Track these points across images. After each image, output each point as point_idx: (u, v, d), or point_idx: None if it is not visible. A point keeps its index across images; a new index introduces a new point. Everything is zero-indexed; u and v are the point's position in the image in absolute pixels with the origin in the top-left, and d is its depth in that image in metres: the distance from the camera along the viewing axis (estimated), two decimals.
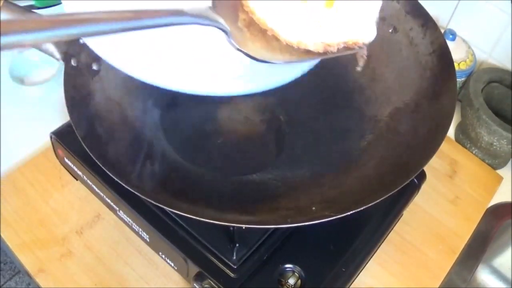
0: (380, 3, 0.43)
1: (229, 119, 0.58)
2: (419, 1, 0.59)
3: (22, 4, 0.45)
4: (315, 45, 0.42)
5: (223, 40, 0.41)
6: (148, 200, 0.41)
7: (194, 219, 0.40)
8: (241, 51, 0.41)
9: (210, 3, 0.41)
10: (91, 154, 0.43)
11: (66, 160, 0.60)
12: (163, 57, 0.42)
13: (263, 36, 0.42)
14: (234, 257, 0.49)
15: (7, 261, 1.31)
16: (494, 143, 0.70)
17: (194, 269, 0.50)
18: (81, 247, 0.61)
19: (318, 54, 0.42)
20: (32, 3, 0.78)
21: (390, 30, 0.57)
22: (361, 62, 0.45)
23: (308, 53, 0.42)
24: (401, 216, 0.60)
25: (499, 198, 0.71)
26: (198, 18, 0.39)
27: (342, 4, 0.42)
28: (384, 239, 0.57)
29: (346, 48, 0.42)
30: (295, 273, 0.51)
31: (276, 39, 0.42)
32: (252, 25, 0.42)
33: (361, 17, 0.42)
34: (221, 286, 0.48)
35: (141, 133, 0.52)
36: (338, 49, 0.42)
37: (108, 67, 0.47)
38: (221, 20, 0.41)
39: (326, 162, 0.45)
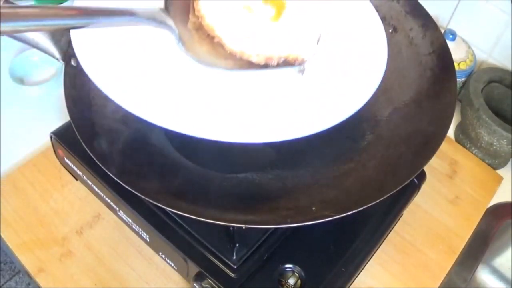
0: (324, 23, 0.45)
1: None
2: (419, 1, 0.59)
3: (22, 4, 0.45)
4: (257, 57, 0.43)
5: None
6: (148, 200, 0.41)
7: (194, 219, 0.40)
8: (188, 55, 0.42)
9: (162, 4, 0.42)
10: (91, 154, 0.43)
11: (66, 160, 0.60)
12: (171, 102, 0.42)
13: (210, 42, 0.43)
14: (234, 257, 0.49)
15: (7, 261, 1.31)
16: (494, 143, 0.70)
17: (194, 269, 0.50)
18: (81, 247, 0.61)
19: (259, 66, 0.43)
20: (32, 3, 0.78)
21: (390, 30, 0.57)
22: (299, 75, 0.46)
23: (250, 65, 0.43)
24: (401, 216, 0.60)
25: (499, 198, 0.71)
26: (148, 19, 0.40)
27: (287, 20, 0.43)
28: (384, 239, 0.57)
29: (286, 62, 0.43)
30: (295, 273, 0.51)
31: (222, 46, 0.43)
32: (201, 28, 0.43)
33: (304, 34, 0.43)
34: (221, 286, 0.48)
35: (142, 133, 0.52)
36: (278, 63, 0.43)
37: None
38: (171, 22, 0.42)
39: (326, 162, 0.45)
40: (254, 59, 0.43)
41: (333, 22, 0.48)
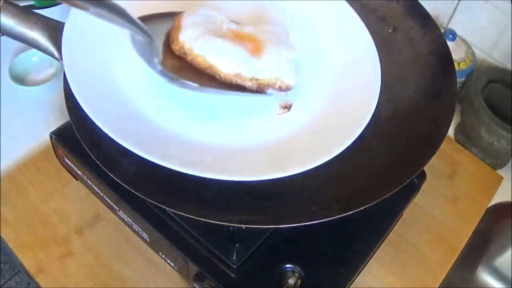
0: (293, 53, 0.47)
1: None
2: (419, 1, 0.59)
3: (22, 4, 0.45)
4: (251, 82, 0.45)
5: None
6: (148, 200, 0.41)
7: (194, 219, 0.40)
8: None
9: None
10: (91, 154, 0.43)
11: (66, 160, 0.60)
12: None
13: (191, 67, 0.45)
14: (234, 257, 0.49)
15: (7, 261, 1.31)
16: (494, 143, 0.70)
17: (194, 269, 0.50)
18: (81, 247, 0.61)
19: (249, 90, 0.45)
20: (32, 3, 0.78)
21: (390, 30, 0.57)
22: (280, 111, 0.48)
23: (239, 89, 0.45)
24: (401, 216, 0.60)
25: (499, 198, 0.71)
26: (132, 23, 0.41)
27: (266, 55, 0.45)
28: (384, 239, 0.57)
29: (275, 88, 0.46)
30: (295, 273, 0.51)
31: (212, 73, 0.45)
32: (184, 57, 0.45)
33: (282, 66, 0.45)
34: (221, 286, 0.48)
35: None
36: (266, 89, 0.46)
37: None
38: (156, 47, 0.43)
39: (326, 162, 0.45)
40: (248, 84, 0.45)
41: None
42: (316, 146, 0.45)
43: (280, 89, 0.46)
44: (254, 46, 0.46)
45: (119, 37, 0.44)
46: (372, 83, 0.48)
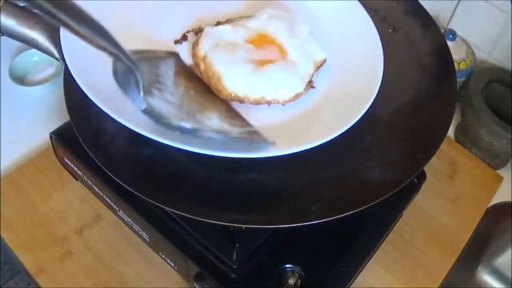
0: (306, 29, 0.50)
1: None
2: (419, 1, 0.59)
3: (22, 4, 0.45)
4: (247, 99, 0.46)
5: None
6: (148, 200, 0.41)
7: (194, 219, 0.40)
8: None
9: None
10: (91, 154, 0.43)
11: (66, 160, 0.60)
12: None
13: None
14: (234, 257, 0.49)
15: (7, 261, 1.31)
16: (494, 143, 0.70)
17: (194, 269, 0.50)
18: (81, 247, 0.61)
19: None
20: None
21: (390, 30, 0.57)
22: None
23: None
24: (401, 216, 0.60)
25: (499, 198, 0.71)
26: (114, 45, 0.37)
27: (267, 69, 0.46)
28: (384, 239, 0.57)
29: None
30: (295, 273, 0.51)
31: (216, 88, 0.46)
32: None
33: (279, 81, 0.46)
34: (221, 286, 0.48)
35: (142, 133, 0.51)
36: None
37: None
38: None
39: (326, 162, 0.45)
40: (246, 101, 0.45)
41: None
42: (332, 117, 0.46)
43: (316, 67, 0.48)
44: (278, 48, 0.48)
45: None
46: (375, 59, 0.49)
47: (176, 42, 0.50)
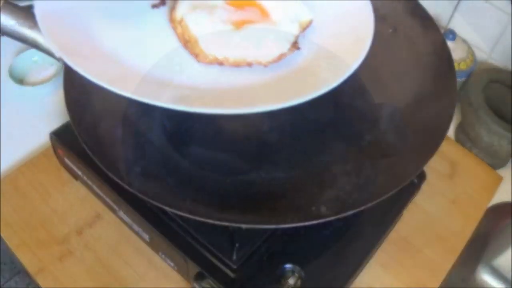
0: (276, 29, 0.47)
1: (229, 120, 0.58)
2: (419, 1, 0.59)
3: (22, 4, 0.45)
4: (227, 61, 0.44)
5: None
6: (148, 200, 0.41)
7: (194, 219, 0.40)
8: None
9: None
10: (91, 154, 0.43)
11: (66, 160, 0.60)
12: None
13: None
14: (234, 257, 0.49)
15: (7, 261, 1.31)
16: (494, 143, 0.70)
17: (194, 269, 0.50)
18: (81, 247, 0.60)
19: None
20: (32, 3, 0.78)
21: (390, 30, 0.57)
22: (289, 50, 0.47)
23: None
24: (401, 216, 0.60)
25: (499, 198, 0.71)
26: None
27: (248, 29, 0.45)
28: (384, 239, 0.57)
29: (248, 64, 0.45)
30: (295, 273, 0.51)
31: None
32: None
33: (262, 41, 0.45)
34: (221, 286, 0.48)
35: (141, 133, 0.52)
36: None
37: None
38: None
39: (326, 162, 0.45)
40: (225, 63, 0.44)
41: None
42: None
43: (302, 28, 0.46)
44: (259, 10, 0.46)
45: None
46: (364, 19, 0.47)
47: (154, 6, 0.48)
